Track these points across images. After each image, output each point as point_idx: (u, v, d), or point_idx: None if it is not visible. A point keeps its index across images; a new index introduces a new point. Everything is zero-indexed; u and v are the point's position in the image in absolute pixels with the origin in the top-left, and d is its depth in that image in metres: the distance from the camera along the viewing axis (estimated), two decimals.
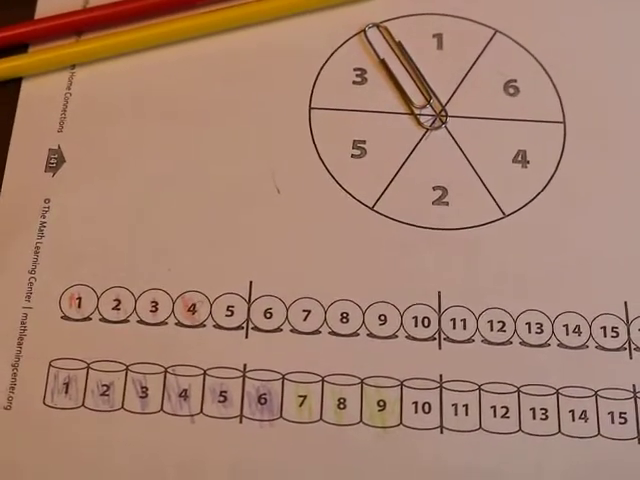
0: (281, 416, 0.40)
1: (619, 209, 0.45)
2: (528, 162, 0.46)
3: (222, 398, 0.40)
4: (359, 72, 0.48)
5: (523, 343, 0.42)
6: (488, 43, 0.49)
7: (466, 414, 0.40)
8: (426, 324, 0.42)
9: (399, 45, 0.48)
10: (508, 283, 0.43)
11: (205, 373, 0.40)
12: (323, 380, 0.40)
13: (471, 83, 0.48)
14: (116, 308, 0.42)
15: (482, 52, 0.48)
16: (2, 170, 0.44)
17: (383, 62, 0.48)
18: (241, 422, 0.40)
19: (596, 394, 0.41)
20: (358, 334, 0.41)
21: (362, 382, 0.41)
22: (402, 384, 0.41)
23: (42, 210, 0.44)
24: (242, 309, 0.42)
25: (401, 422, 0.40)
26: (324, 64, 0.48)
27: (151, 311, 0.42)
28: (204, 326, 0.41)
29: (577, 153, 0.46)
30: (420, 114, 0.47)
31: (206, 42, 0.48)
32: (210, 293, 0.42)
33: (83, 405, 0.40)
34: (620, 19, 0.50)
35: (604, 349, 0.42)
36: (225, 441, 0.40)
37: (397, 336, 0.41)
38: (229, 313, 0.42)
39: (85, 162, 0.45)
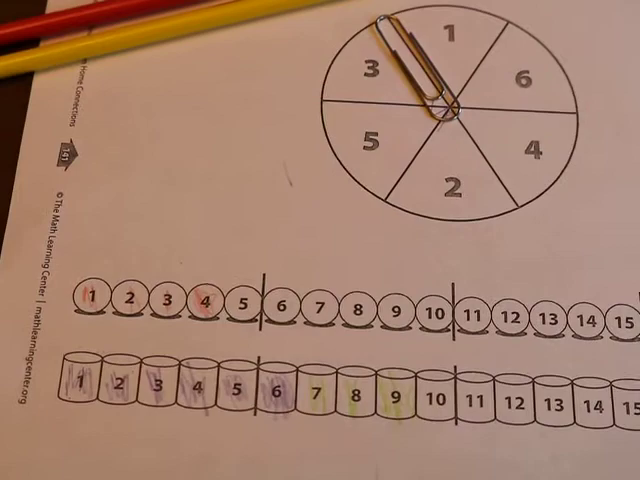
0: (295, 408, 0.40)
1: (632, 199, 0.45)
2: (541, 153, 0.45)
3: (236, 390, 0.40)
4: (371, 64, 0.48)
5: (537, 334, 0.42)
6: (500, 34, 0.49)
7: (481, 405, 0.40)
8: (440, 315, 0.42)
9: (410, 37, 0.48)
10: (522, 274, 0.43)
11: (219, 366, 0.40)
12: (337, 372, 0.40)
13: (483, 74, 0.48)
14: (129, 301, 0.42)
15: (494, 43, 0.48)
16: (15, 164, 0.44)
17: (395, 54, 0.48)
18: (255, 414, 0.40)
19: (611, 385, 0.41)
20: (372, 326, 0.41)
21: (376, 374, 0.41)
22: (416, 375, 0.41)
23: (55, 204, 0.44)
24: (256, 302, 0.42)
25: (416, 413, 0.40)
26: (336, 56, 0.48)
27: (164, 304, 0.42)
28: (217, 319, 0.41)
29: (590, 144, 0.46)
30: (432, 105, 0.47)
31: (217, 35, 0.48)
32: (223, 286, 0.42)
33: (97, 398, 0.40)
34: (632, 9, 0.50)
35: (619, 339, 0.42)
36: (239, 433, 0.40)
37: (411, 327, 0.41)
38: (242, 306, 0.42)
39: (97, 156, 0.45)
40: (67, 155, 0.45)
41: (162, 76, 0.47)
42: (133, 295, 0.42)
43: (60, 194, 0.44)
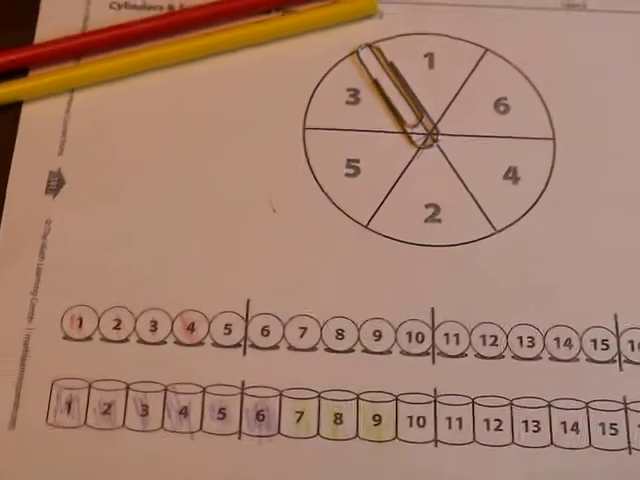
0: (279, 432, 0.41)
1: (608, 223, 0.46)
2: (519, 178, 0.46)
3: (221, 415, 0.41)
4: (352, 92, 0.49)
5: (515, 357, 0.42)
6: (478, 62, 0.50)
7: (460, 427, 0.41)
8: (420, 339, 0.43)
9: (391, 65, 0.49)
10: (500, 298, 0.44)
11: (204, 390, 0.41)
12: (320, 396, 0.41)
13: (462, 102, 0.49)
14: (116, 328, 0.43)
15: (473, 71, 0.49)
16: (4, 193, 0.45)
17: (376, 82, 0.49)
18: (240, 438, 0.41)
19: (587, 406, 0.42)
20: (353, 350, 0.42)
21: (358, 397, 0.41)
22: (397, 398, 0.42)
23: (43, 232, 0.45)
24: (240, 327, 0.43)
25: (396, 436, 0.41)
26: (318, 85, 0.49)
27: (151, 330, 0.42)
28: (203, 344, 0.42)
29: (567, 169, 0.47)
30: (412, 133, 0.48)
31: (202, 64, 0.49)
32: (208, 312, 0.43)
33: (85, 424, 0.41)
34: (608, 37, 0.51)
35: (595, 361, 0.43)
36: (224, 457, 0.41)
37: (392, 352, 0.42)
38: (227, 331, 0.42)
39: (85, 184, 0.46)
40: (55, 183, 0.45)
41: (148, 105, 0.48)
42: (120, 321, 0.43)
43: (48, 222, 0.45)
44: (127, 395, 0.41)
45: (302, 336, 0.42)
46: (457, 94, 0.48)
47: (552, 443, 0.41)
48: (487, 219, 0.45)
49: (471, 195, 0.46)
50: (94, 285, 0.43)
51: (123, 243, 0.44)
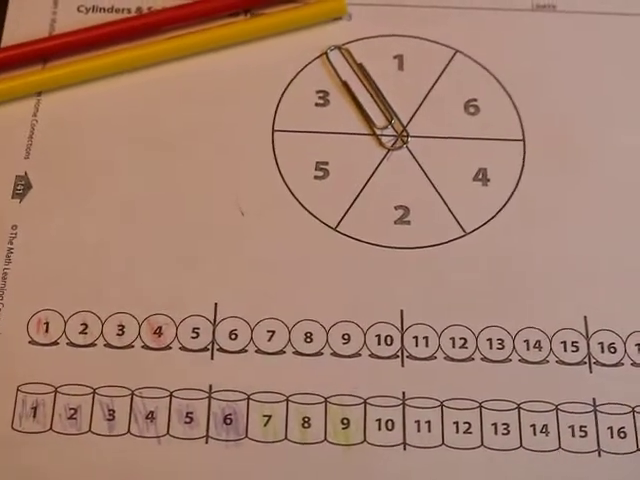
0: (247, 436, 0.41)
1: (578, 226, 0.45)
2: (489, 180, 0.46)
3: (188, 419, 0.41)
4: (322, 94, 0.49)
5: (484, 359, 0.42)
6: (448, 63, 0.50)
7: (429, 430, 0.41)
8: (389, 342, 0.42)
9: (361, 67, 0.49)
10: (469, 300, 0.43)
11: (171, 395, 0.41)
12: (288, 399, 0.41)
13: (432, 103, 0.48)
14: (83, 332, 0.42)
15: (442, 72, 0.49)
16: None
17: (345, 84, 0.48)
18: (207, 442, 0.40)
19: (557, 408, 0.42)
20: (322, 353, 0.42)
21: (326, 401, 0.41)
22: (365, 402, 0.41)
23: (9, 236, 0.44)
24: (207, 331, 0.42)
25: (365, 439, 0.41)
26: (287, 87, 0.49)
27: (117, 334, 0.42)
28: (170, 348, 0.42)
29: (536, 170, 0.47)
30: (382, 135, 0.48)
31: (170, 66, 0.49)
32: (176, 316, 0.43)
33: (51, 429, 0.41)
34: (579, 38, 0.51)
35: (564, 363, 0.42)
36: (192, 462, 0.40)
37: (360, 354, 0.42)
38: (195, 335, 0.42)
39: (52, 188, 0.46)
40: (22, 188, 0.45)
41: (116, 108, 0.48)
42: (87, 326, 0.42)
43: (15, 227, 0.44)
44: (93, 400, 0.41)
45: (270, 339, 0.42)
46: (427, 96, 0.48)
47: (521, 445, 0.41)
48: (457, 221, 0.45)
49: (441, 197, 0.46)
50: (61, 289, 0.43)
51: (90, 247, 0.44)
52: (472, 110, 0.48)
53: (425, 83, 0.49)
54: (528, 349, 0.43)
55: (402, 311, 0.43)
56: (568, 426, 0.41)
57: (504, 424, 0.41)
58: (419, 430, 0.41)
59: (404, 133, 0.47)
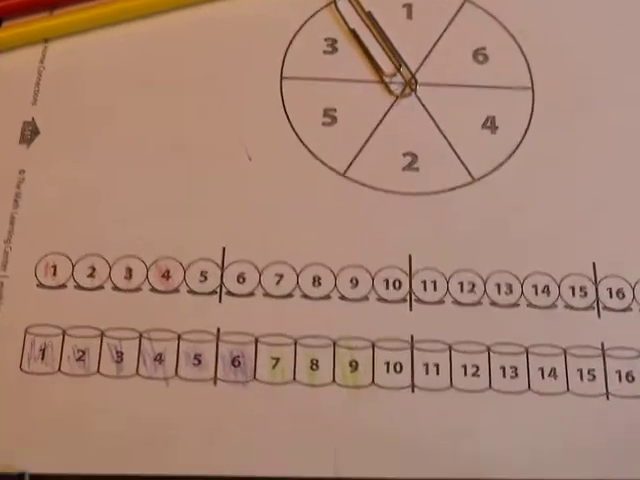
0: (254, 378, 0.41)
1: (586, 173, 0.45)
2: (497, 128, 0.46)
3: (196, 361, 0.41)
4: (330, 42, 0.48)
5: (493, 304, 0.42)
6: (457, 12, 0.49)
7: (437, 373, 0.41)
8: (397, 286, 0.42)
9: (369, 15, 0.49)
10: (477, 245, 0.43)
11: (179, 337, 0.41)
12: (296, 342, 0.41)
13: (440, 51, 0.48)
14: (91, 275, 0.42)
15: (451, 21, 0.49)
16: None
17: (353, 32, 0.48)
18: (215, 384, 0.40)
19: (565, 352, 0.41)
20: (330, 297, 0.42)
21: (334, 343, 0.41)
22: (374, 345, 0.41)
23: (17, 181, 0.44)
24: (215, 274, 0.42)
25: (373, 382, 0.41)
26: (295, 34, 0.48)
27: (125, 278, 0.42)
28: (178, 291, 0.42)
29: (545, 118, 0.47)
30: (390, 82, 0.47)
31: (177, 15, 0.49)
32: (184, 259, 0.43)
33: (59, 370, 0.40)
34: None
35: (573, 308, 0.42)
36: (199, 403, 0.40)
37: (368, 298, 0.42)
38: (202, 279, 0.42)
39: (59, 133, 0.45)
40: (29, 133, 0.45)
41: (123, 55, 0.48)
42: (94, 269, 0.42)
43: (22, 171, 0.44)
44: (102, 342, 0.41)
45: (278, 283, 0.42)
46: (435, 44, 0.48)
47: (529, 389, 0.41)
48: (465, 168, 0.45)
49: (449, 144, 0.45)
50: (68, 233, 0.43)
51: (97, 191, 0.44)
52: (481, 59, 0.48)
53: (434, 32, 0.49)
54: (536, 294, 0.42)
55: (410, 256, 0.43)
56: (576, 369, 0.41)
57: (512, 367, 0.41)
58: (427, 373, 0.41)
59: (412, 81, 0.47)
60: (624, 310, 0.42)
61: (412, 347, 0.41)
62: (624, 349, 0.42)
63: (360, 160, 0.45)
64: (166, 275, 0.42)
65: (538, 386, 0.41)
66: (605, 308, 0.42)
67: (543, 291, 0.42)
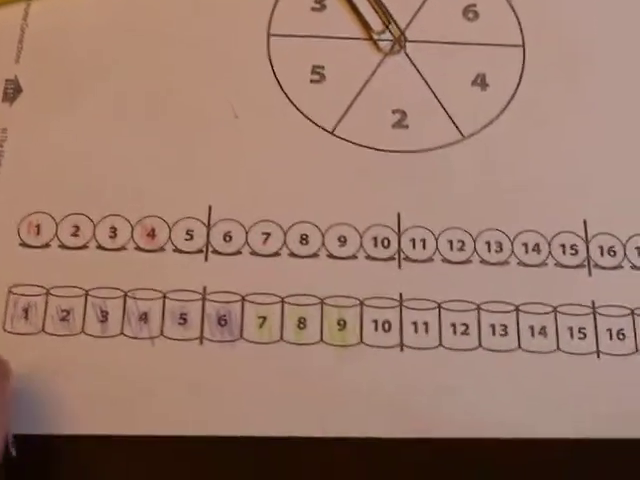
0: (241, 337, 0.40)
1: (577, 131, 0.45)
2: (487, 85, 0.46)
3: (182, 320, 0.40)
4: None
5: (483, 262, 0.42)
6: None
7: (426, 332, 0.40)
8: (386, 244, 0.42)
9: None
10: (467, 203, 0.43)
11: (165, 296, 0.40)
12: (283, 301, 0.40)
13: (430, 8, 0.47)
14: (75, 235, 0.42)
15: None
16: None
17: None
18: (201, 343, 0.40)
19: (555, 310, 0.41)
20: (318, 255, 0.41)
21: (322, 302, 0.41)
22: (362, 303, 0.41)
23: (0, 139, 0.43)
24: (201, 233, 0.42)
25: (361, 340, 0.40)
26: None
27: (110, 237, 0.41)
28: (163, 250, 0.41)
29: (536, 76, 0.46)
30: (379, 39, 0.47)
31: None
32: (169, 218, 0.42)
33: (43, 330, 0.40)
34: None
35: (563, 266, 0.42)
36: (185, 362, 0.40)
37: (357, 257, 0.41)
38: (188, 237, 0.41)
39: (42, 92, 0.45)
40: (12, 91, 0.44)
41: (106, 13, 0.47)
42: (78, 228, 0.42)
43: (5, 130, 0.44)
44: (86, 301, 0.40)
45: (265, 242, 0.42)
46: (425, 1, 0.47)
47: (520, 347, 0.40)
48: (455, 125, 0.44)
49: (439, 101, 0.45)
50: (52, 192, 0.42)
51: (81, 150, 0.43)
52: (471, 15, 0.47)
53: None
54: (527, 252, 0.42)
55: (399, 214, 0.42)
56: (567, 328, 0.41)
57: (502, 325, 0.41)
58: (416, 331, 0.40)
59: (402, 38, 0.46)
60: (615, 268, 0.42)
61: (401, 305, 0.41)
62: (615, 307, 0.41)
63: (349, 118, 0.44)
64: (151, 234, 0.41)
65: (528, 344, 0.40)
66: (596, 266, 0.42)
67: (534, 249, 0.42)
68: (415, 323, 0.40)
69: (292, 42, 0.46)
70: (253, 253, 0.41)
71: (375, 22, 0.47)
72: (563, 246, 0.42)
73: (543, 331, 0.40)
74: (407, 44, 0.46)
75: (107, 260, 0.41)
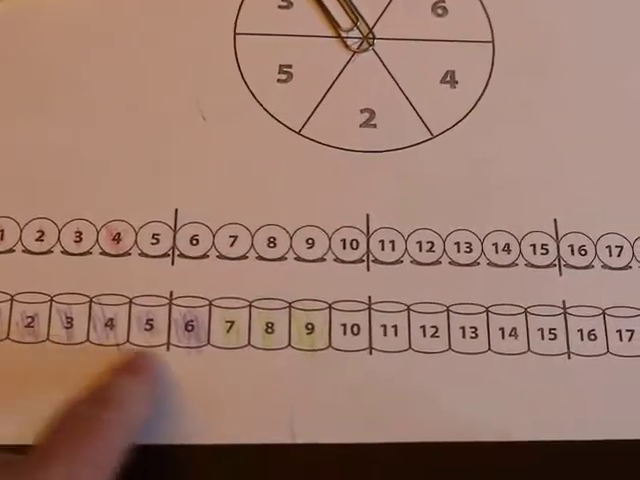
0: (209, 342, 0.40)
1: (548, 129, 0.44)
2: (457, 82, 0.45)
3: (149, 326, 0.40)
4: None
5: (452, 263, 0.41)
6: None
7: (395, 335, 0.40)
8: (354, 246, 0.41)
9: None
10: (437, 204, 0.42)
11: (131, 302, 0.40)
12: (251, 305, 0.40)
13: (399, 5, 0.47)
14: (39, 239, 0.41)
15: None
16: None
17: None
18: (168, 349, 0.39)
19: (526, 311, 0.41)
20: (286, 258, 0.41)
21: (290, 306, 0.40)
22: (330, 307, 0.40)
23: None
24: (168, 237, 0.41)
25: (330, 344, 0.40)
26: None
27: (75, 241, 0.41)
28: (129, 255, 0.41)
29: (506, 72, 0.46)
30: (347, 37, 0.46)
31: None
32: (135, 222, 0.42)
33: (8, 337, 0.39)
34: None
35: (534, 266, 0.42)
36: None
37: (325, 259, 0.41)
38: (154, 241, 0.41)
39: (7, 92, 0.44)
40: None
41: (73, 15, 0.46)
42: (43, 233, 0.41)
43: None
44: (51, 308, 0.40)
45: (232, 245, 0.41)
46: None
47: (490, 349, 0.40)
48: (424, 123, 0.44)
49: (407, 99, 0.44)
50: (15, 195, 0.42)
51: (46, 152, 0.43)
52: (440, 11, 0.47)
53: None
54: (497, 252, 0.42)
55: (368, 215, 0.42)
56: (537, 329, 0.40)
57: (472, 327, 0.40)
58: (385, 334, 0.40)
59: (370, 35, 0.46)
60: (586, 267, 0.41)
61: (370, 308, 0.40)
62: (586, 307, 0.41)
63: (316, 117, 0.44)
64: (117, 238, 0.41)
65: (499, 346, 0.40)
66: (567, 265, 0.41)
67: (504, 249, 0.42)
68: (384, 326, 0.40)
69: (259, 41, 0.45)
70: (220, 256, 0.41)
71: (343, 20, 0.46)
72: (534, 246, 0.42)
73: (514, 332, 0.40)
74: (376, 41, 0.45)
75: (72, 265, 0.40)
